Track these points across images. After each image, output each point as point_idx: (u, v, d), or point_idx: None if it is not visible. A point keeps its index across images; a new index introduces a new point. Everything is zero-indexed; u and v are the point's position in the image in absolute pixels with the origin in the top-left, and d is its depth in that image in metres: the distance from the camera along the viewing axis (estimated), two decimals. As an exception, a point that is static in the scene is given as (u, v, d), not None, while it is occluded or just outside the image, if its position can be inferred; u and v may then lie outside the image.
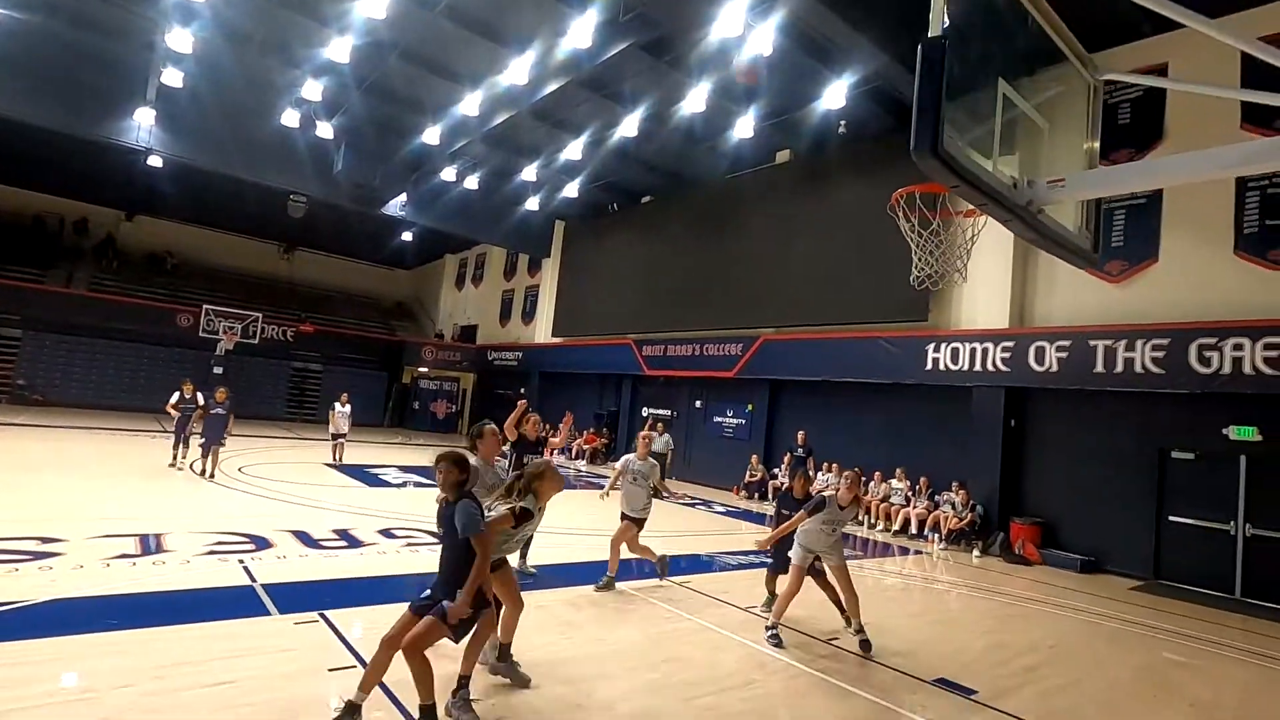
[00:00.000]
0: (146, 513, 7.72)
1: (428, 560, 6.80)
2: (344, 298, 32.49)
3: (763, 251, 16.50)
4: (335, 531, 7.74)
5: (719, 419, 17.44)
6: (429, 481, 12.83)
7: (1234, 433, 9.52)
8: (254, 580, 5.62)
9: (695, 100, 13.58)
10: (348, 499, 10.20)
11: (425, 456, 17.95)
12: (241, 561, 6.11)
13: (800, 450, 14.24)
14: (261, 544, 6.79)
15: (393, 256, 33.40)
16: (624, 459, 7.34)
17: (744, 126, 14.58)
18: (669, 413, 18.94)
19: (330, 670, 4.00)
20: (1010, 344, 11.56)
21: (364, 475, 13.04)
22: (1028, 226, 3.56)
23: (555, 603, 5.98)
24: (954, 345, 12.32)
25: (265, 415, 24.13)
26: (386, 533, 8.00)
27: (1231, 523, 9.47)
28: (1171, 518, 10.00)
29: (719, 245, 17.79)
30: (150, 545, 6.35)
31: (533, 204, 21.76)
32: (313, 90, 15.09)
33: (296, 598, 5.30)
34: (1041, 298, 11.86)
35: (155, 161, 20.73)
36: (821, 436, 14.39)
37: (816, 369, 14.76)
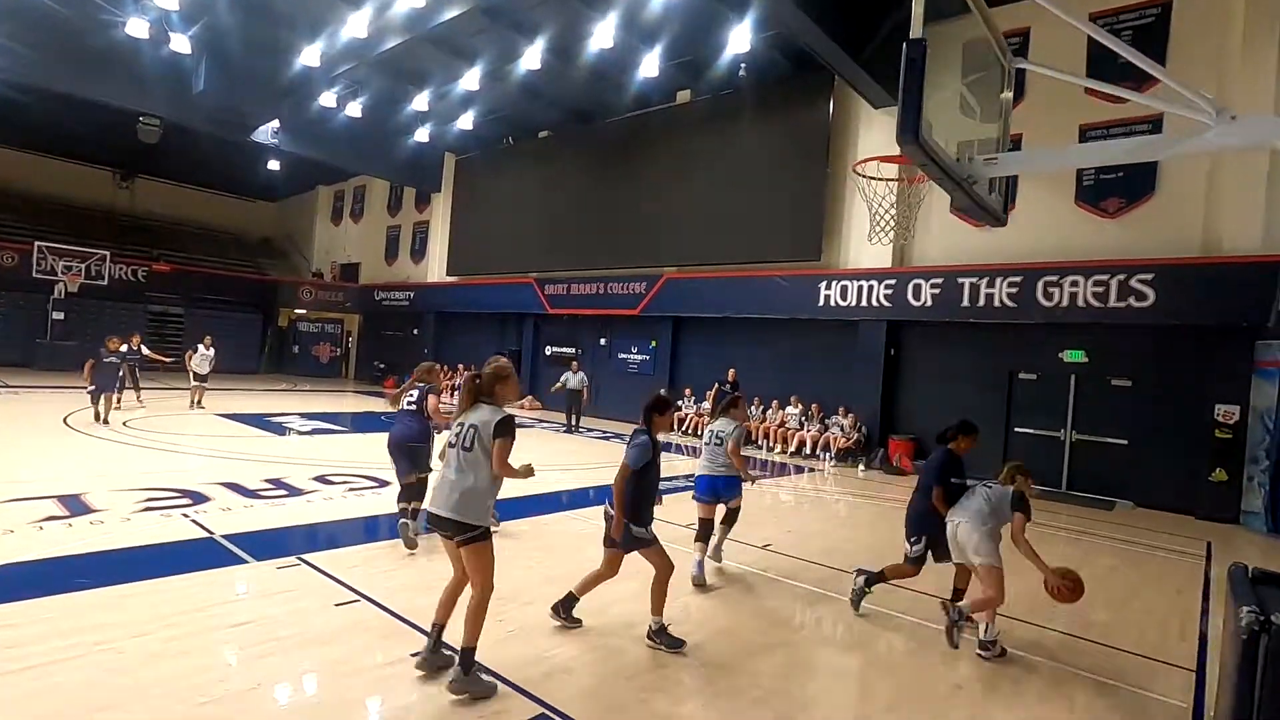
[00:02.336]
0: (48, 474, 7.16)
1: (379, 504, 6.93)
2: (200, 232, 29.51)
3: (665, 191, 16.88)
4: (268, 481, 7.60)
5: (624, 355, 18.04)
6: (336, 428, 12.55)
7: (1067, 356, 11.35)
8: (210, 532, 5.55)
9: (602, 36, 13.43)
10: (263, 448, 9.86)
11: (320, 403, 17.27)
12: (187, 516, 5.96)
13: (728, 386, 15.05)
14: (197, 498, 6.60)
15: (255, 187, 30.50)
16: None
17: (649, 65, 14.62)
18: (574, 350, 19.27)
19: (338, 605, 4.20)
20: (892, 282, 12.86)
21: (267, 424, 12.48)
22: (965, 195, 4.18)
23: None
24: (844, 283, 13.50)
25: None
26: (323, 479, 7.95)
27: (1061, 430, 11.42)
28: (1017, 429, 11.87)
29: (621, 183, 17.95)
30: (75, 507, 6.01)
31: (422, 135, 20.63)
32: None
33: (266, 545, 5.33)
34: (918, 240, 13.19)
35: None
36: (722, 370, 15.35)
37: (718, 306, 15.60)
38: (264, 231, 32.79)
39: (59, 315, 20.17)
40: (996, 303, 11.60)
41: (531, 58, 14.76)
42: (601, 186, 18.50)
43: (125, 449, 9.10)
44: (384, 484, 7.92)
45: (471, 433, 3.40)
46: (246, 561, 4.91)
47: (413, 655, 3.46)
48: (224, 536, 5.46)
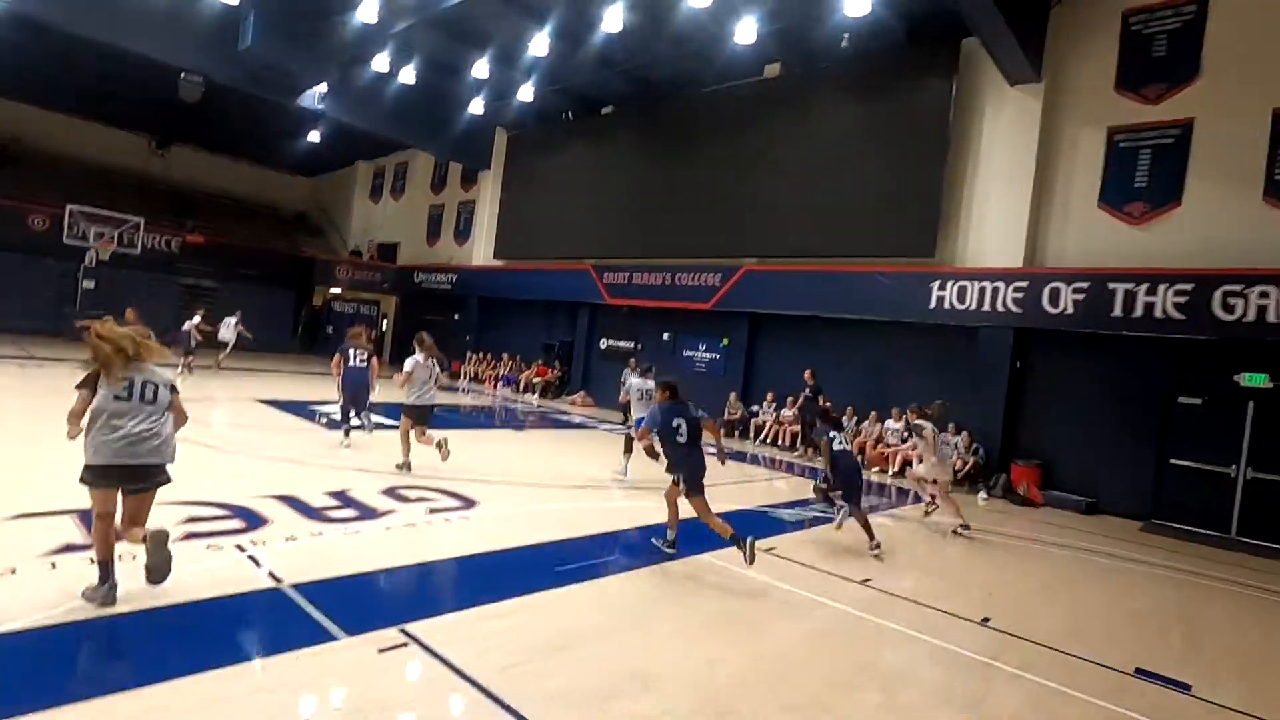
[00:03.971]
0: (67, 473, 5.82)
1: (475, 536, 5.53)
2: (233, 204, 28.33)
3: (747, 176, 15.31)
4: (332, 495, 6.22)
5: (690, 353, 16.54)
6: (389, 421, 11.19)
7: (1245, 379, 9.66)
8: (277, 580, 4.16)
9: (697, -5, 11.88)
10: (315, 446, 8.52)
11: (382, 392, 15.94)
12: (243, 550, 4.58)
13: (809, 391, 13.50)
14: (252, 520, 5.23)
15: (292, 160, 29.34)
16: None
17: (746, 31, 13.04)
18: (633, 345, 17.81)
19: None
20: (1024, 284, 11.21)
21: (311, 414, 11.15)
22: None
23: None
24: (961, 284, 11.86)
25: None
26: (395, 493, 6.56)
27: (1233, 466, 9.74)
28: (1173, 460, 10.19)
29: (695, 166, 16.40)
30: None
31: (476, 107, 19.20)
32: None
33: (354, 603, 3.93)
34: (1054, 236, 11.52)
35: None
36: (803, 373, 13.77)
37: (805, 303, 14.03)
38: (300, 207, 31.66)
39: (89, 284, 19.10)
40: (1158, 313, 9.92)
41: (613, 19, 13.23)
42: (672, 169, 16.95)
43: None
44: (469, 503, 6.52)
45: None
46: (334, 638, 3.49)
47: None
48: (295, 587, 4.06)
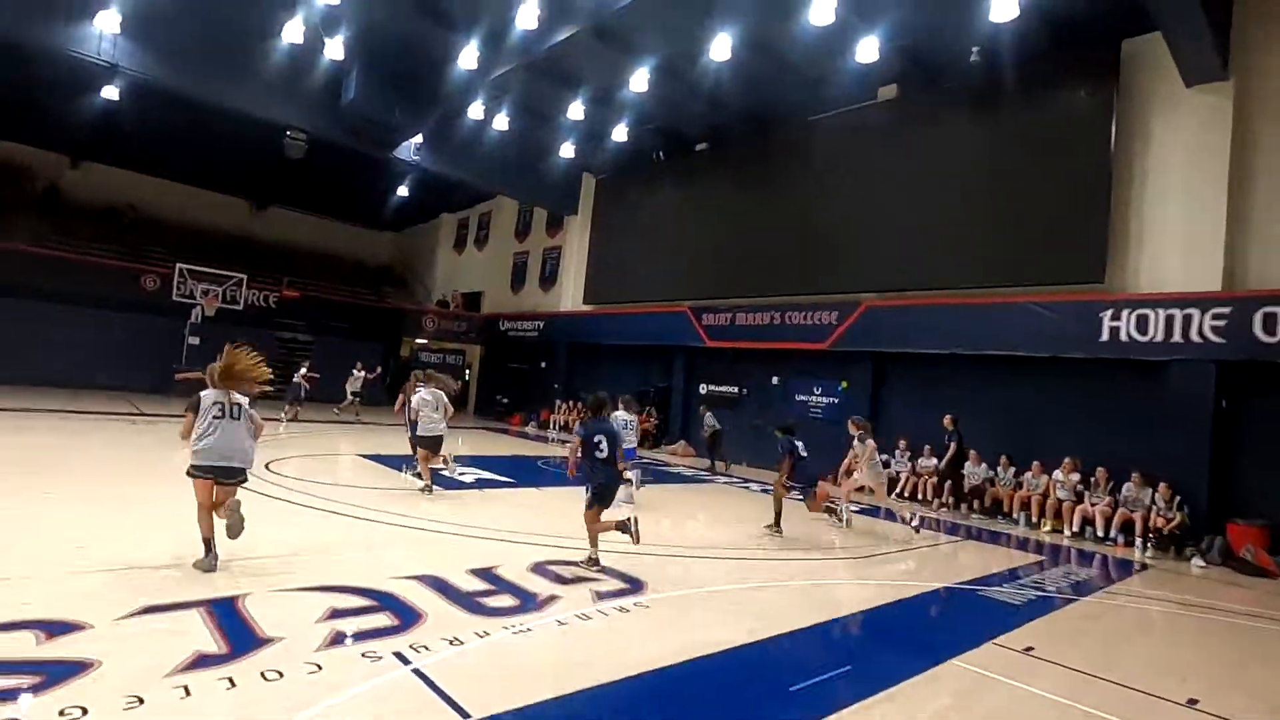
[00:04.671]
0: (183, 548, 5.09)
1: (659, 630, 4.44)
2: (323, 260, 29.02)
3: (861, 205, 14.22)
4: (477, 575, 5.28)
5: (804, 398, 15.25)
6: (501, 478, 10.33)
7: None
8: (462, 712, 3.16)
9: (821, 11, 11.07)
10: (438, 509, 7.68)
11: (468, 442, 15.27)
12: (403, 658, 3.63)
13: (947, 437, 12.06)
14: (402, 612, 4.30)
15: (378, 216, 30.16)
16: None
17: (867, 50, 12.13)
18: (737, 390, 16.69)
19: None
20: (1225, 310, 9.59)
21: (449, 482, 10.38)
22: None
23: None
24: (1142, 312, 10.30)
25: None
26: (543, 571, 5.58)
27: None
28: None
29: (801, 198, 15.43)
30: (228, 623, 3.83)
31: (567, 150, 18.96)
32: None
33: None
34: (1258, 254, 9.88)
35: (110, 93, 17.36)
36: (939, 419, 12.25)
37: (941, 339, 12.64)
38: (384, 260, 32.34)
39: (194, 340, 19.43)
40: None
41: (721, 48, 12.58)
42: (774, 203, 16.04)
43: (271, 503, 7.10)
44: (634, 584, 5.47)
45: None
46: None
47: None
48: (486, 721, 3.05)
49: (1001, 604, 6.19)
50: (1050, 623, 5.67)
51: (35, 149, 23.34)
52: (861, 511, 10.58)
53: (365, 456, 11.39)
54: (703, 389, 17.57)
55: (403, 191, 24.93)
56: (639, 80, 14.32)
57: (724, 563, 6.70)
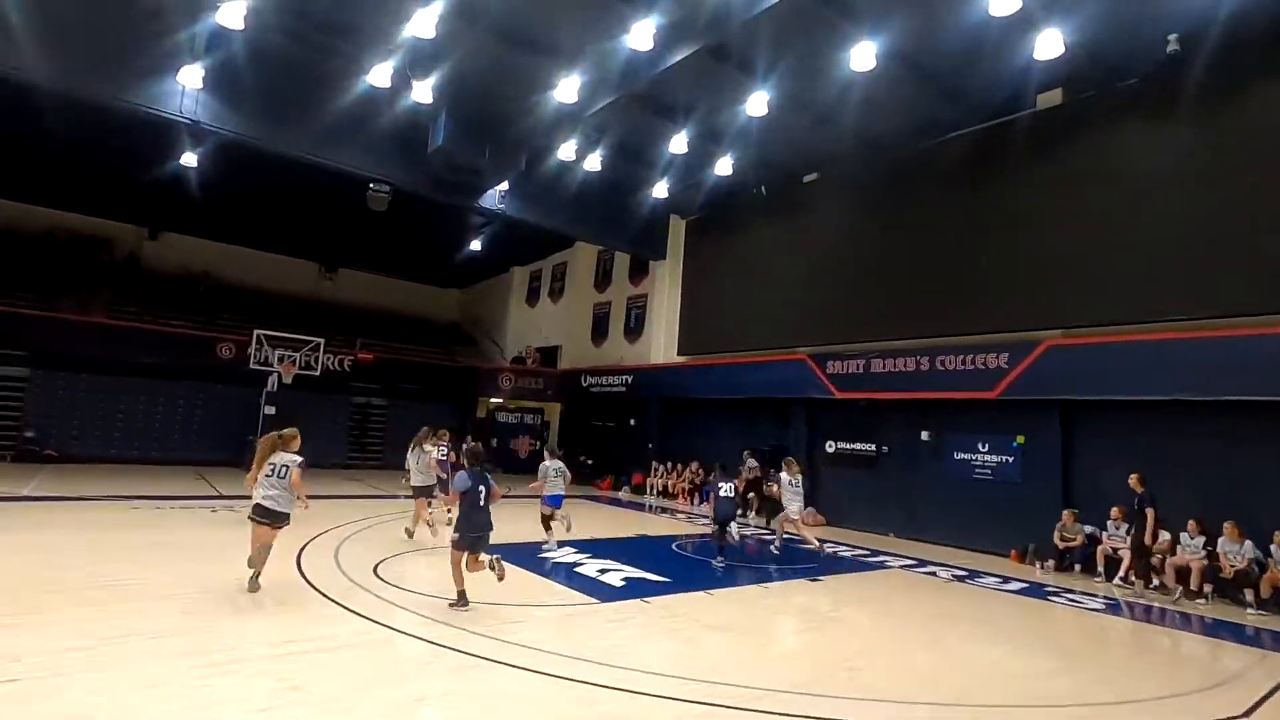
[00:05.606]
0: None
1: None
2: (391, 321, 28.14)
3: (1025, 229, 12.21)
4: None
5: (965, 455, 12.95)
6: (654, 577, 8.34)
7: None
8: None
9: (1002, 2, 9.34)
10: (621, 644, 5.75)
11: (595, 522, 13.33)
12: None
13: (1137, 502, 9.65)
14: None
15: (445, 273, 29.43)
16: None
17: (1047, 45, 10.29)
18: (873, 448, 14.48)
19: None
20: None
21: (573, 575, 8.41)
22: None
23: None
24: None
25: (328, 463, 19.58)
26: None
27: None
28: None
29: (942, 226, 13.50)
30: None
31: (659, 190, 17.54)
32: (423, 22, 10.91)
33: None
34: None
35: (189, 159, 16.79)
36: (1165, 480, 9.73)
37: (1154, 384, 10.31)
38: (451, 318, 31.42)
39: (270, 410, 18.29)
40: None
41: (863, 57, 10.93)
42: (908, 233, 14.14)
43: (400, 637, 5.29)
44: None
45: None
46: None
47: None
48: None
49: None
50: None
51: (117, 222, 23.25)
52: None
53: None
54: (829, 447, 15.40)
55: (474, 245, 23.97)
56: (756, 104, 12.78)
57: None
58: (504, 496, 6.89)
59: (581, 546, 9.93)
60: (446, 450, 11.10)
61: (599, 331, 23.50)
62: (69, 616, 5.34)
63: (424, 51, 12.28)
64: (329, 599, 6.29)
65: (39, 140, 17.09)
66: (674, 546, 11.05)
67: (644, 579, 8.10)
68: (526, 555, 9.01)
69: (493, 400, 24.85)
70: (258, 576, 6.24)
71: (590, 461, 21.94)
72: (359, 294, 28.41)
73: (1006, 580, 9.82)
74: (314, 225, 23.45)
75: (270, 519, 6.23)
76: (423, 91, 13.20)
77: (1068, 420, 11.63)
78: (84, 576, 6.46)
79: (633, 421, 20.97)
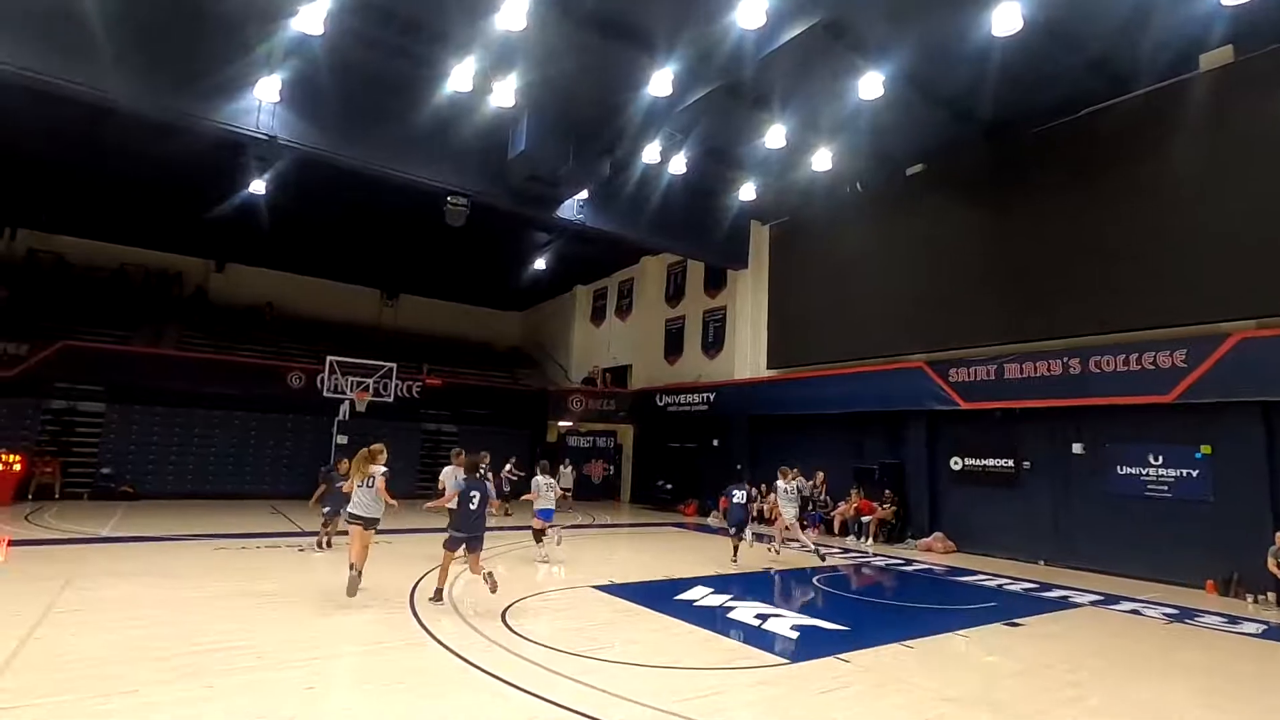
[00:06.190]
0: None
1: None
2: (455, 346, 27.49)
3: (1207, 203, 10.61)
4: None
5: (1133, 469, 11.24)
6: (825, 624, 6.97)
7: None
8: None
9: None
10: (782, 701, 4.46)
11: (678, 553, 12.06)
12: None
13: None
14: None
15: (506, 296, 28.76)
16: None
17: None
18: (1012, 464, 12.86)
19: None
20: None
21: (697, 612, 7.20)
22: None
23: None
24: None
25: (399, 493, 18.68)
26: None
27: None
28: None
29: (1095, 210, 11.95)
30: None
31: (747, 192, 16.40)
32: (512, 13, 10.06)
33: None
34: None
35: (257, 187, 16.40)
36: None
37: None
38: (512, 341, 30.68)
39: (342, 439, 17.55)
40: None
41: (1007, 18, 9.63)
42: (1042, 222, 12.65)
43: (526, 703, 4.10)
44: None
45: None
46: None
47: None
48: None
49: None
50: None
51: (185, 256, 23.19)
52: None
53: (603, 589, 8.37)
54: (955, 464, 13.81)
55: (539, 265, 23.18)
56: (870, 85, 11.53)
57: None
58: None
59: (717, 585, 8.64)
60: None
61: (673, 348, 22.33)
62: (171, 697, 4.28)
63: (509, 48, 11.44)
64: (469, 663, 5.13)
65: (108, 177, 17.00)
66: (815, 580, 9.65)
67: (816, 627, 6.76)
68: (664, 598, 7.76)
69: (561, 424, 23.84)
70: (359, 576, 6.91)
71: (669, 486, 20.66)
72: (420, 320, 27.90)
73: (1235, 620, 8.14)
74: (375, 252, 23.04)
75: (364, 522, 7.08)
76: (505, 94, 12.37)
77: (1272, 425, 9.89)
78: (181, 641, 5.45)
79: (715, 442, 19.64)
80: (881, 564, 11.59)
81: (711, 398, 19.54)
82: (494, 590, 6.79)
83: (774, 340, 18.01)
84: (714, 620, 6.90)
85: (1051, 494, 12.23)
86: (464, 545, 6.97)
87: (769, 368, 18.02)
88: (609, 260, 24.22)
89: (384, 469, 7.19)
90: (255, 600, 6.93)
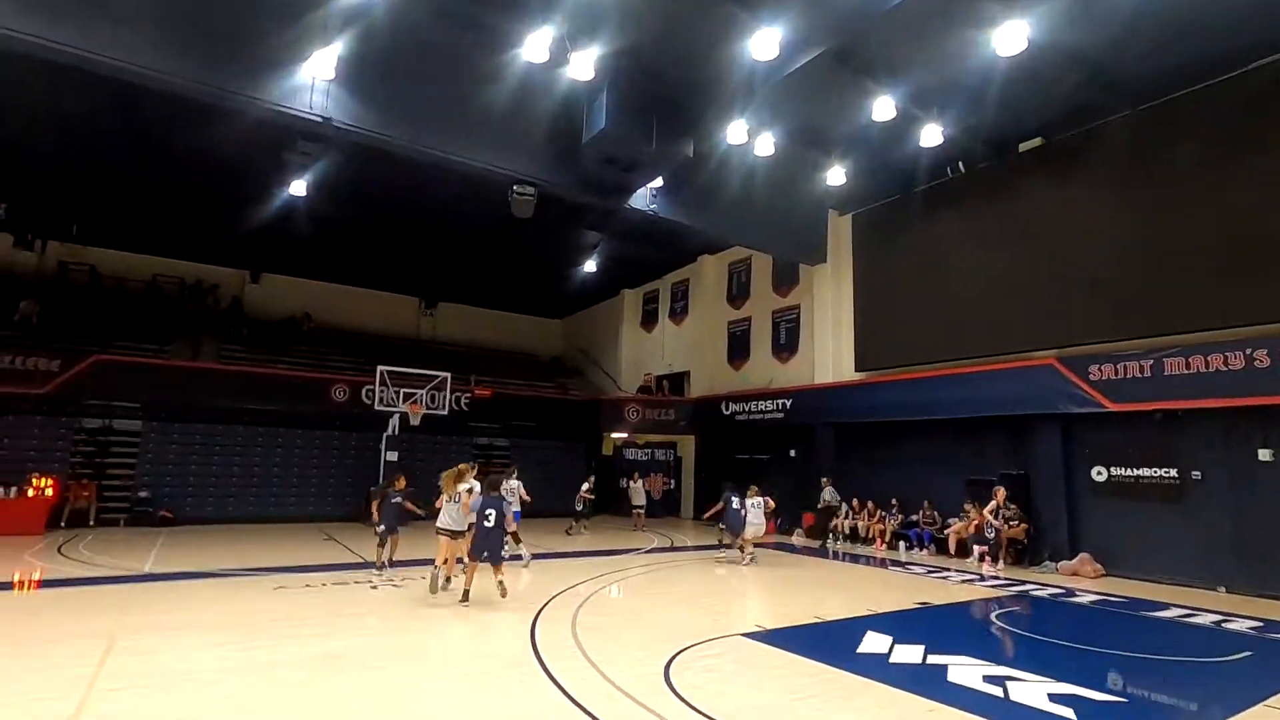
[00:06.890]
0: None
1: None
2: (496, 356, 26.13)
3: None
4: None
5: (1346, 479, 9.49)
6: (1100, 695, 5.32)
7: None
8: None
9: None
10: None
11: (823, 584, 10.44)
12: None
13: None
14: None
15: (548, 303, 27.46)
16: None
17: None
18: (1172, 474, 11.12)
19: None
20: None
21: (955, 692, 5.55)
22: None
23: None
24: None
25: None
26: None
27: None
28: None
29: (1253, 180, 10.27)
30: None
31: (835, 176, 14.86)
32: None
33: None
34: None
35: (297, 188, 15.16)
36: None
37: None
38: (556, 350, 29.30)
39: (392, 455, 16.21)
40: None
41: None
42: (1194, 196, 10.99)
43: None
44: None
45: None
46: None
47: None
48: None
49: None
50: None
51: (219, 266, 22.13)
52: None
53: (756, 638, 6.80)
54: (1098, 474, 12.08)
55: (589, 267, 21.81)
56: (1010, 39, 9.97)
57: None
58: None
59: (884, 628, 7.02)
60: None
61: (738, 352, 20.76)
62: None
63: (592, 10, 10.08)
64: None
65: (141, 185, 15.93)
66: (996, 618, 8.00)
67: (1080, 696, 5.11)
68: (841, 651, 6.17)
69: (615, 435, 22.34)
70: (448, 581, 7.99)
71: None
72: (459, 329, 26.65)
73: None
74: (413, 258, 21.81)
75: (450, 534, 7.90)
76: (583, 65, 10.98)
77: None
78: (272, 741, 3.98)
79: (792, 452, 18.02)
80: (1044, 594, 9.88)
81: (787, 404, 17.92)
82: (504, 595, 7.51)
83: (862, 340, 16.38)
84: (935, 686, 5.29)
85: (1232, 509, 10.46)
86: (484, 556, 7.54)
87: (858, 370, 16.39)
88: (661, 261, 22.75)
89: (469, 485, 8.00)
90: (347, 666, 5.44)
